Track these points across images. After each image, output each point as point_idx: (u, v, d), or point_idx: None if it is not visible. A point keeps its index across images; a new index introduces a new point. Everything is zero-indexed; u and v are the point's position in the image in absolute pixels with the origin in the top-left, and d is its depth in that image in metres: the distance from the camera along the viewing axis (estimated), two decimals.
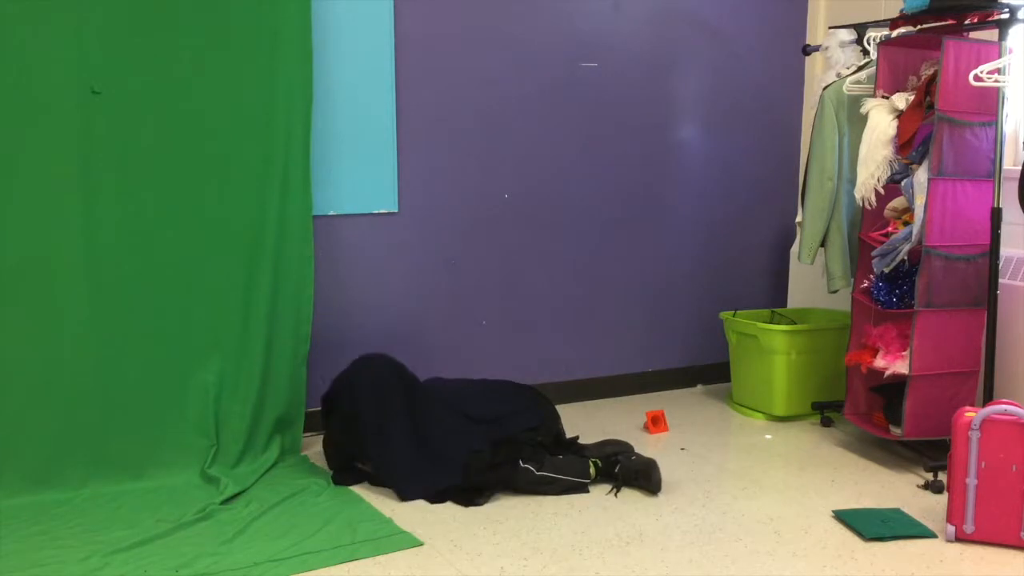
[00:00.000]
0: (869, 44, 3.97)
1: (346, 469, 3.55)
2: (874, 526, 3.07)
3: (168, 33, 3.45)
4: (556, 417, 3.69)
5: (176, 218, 3.54)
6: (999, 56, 3.39)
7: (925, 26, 3.55)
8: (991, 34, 3.52)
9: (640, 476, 3.42)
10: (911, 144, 3.53)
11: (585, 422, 4.20)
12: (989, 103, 3.46)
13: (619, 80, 4.57)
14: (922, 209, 3.51)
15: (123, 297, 3.47)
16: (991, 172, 3.48)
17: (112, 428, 3.45)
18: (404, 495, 3.37)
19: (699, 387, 4.91)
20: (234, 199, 3.62)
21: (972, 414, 2.96)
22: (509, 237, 4.43)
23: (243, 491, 3.37)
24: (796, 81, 5.01)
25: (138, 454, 3.48)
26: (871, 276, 3.82)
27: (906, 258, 3.66)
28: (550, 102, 4.44)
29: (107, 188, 3.42)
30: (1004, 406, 2.94)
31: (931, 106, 3.49)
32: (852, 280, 4.04)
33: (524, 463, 3.40)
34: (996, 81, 3.38)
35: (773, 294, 5.04)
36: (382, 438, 3.48)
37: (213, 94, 3.55)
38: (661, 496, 3.39)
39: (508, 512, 3.24)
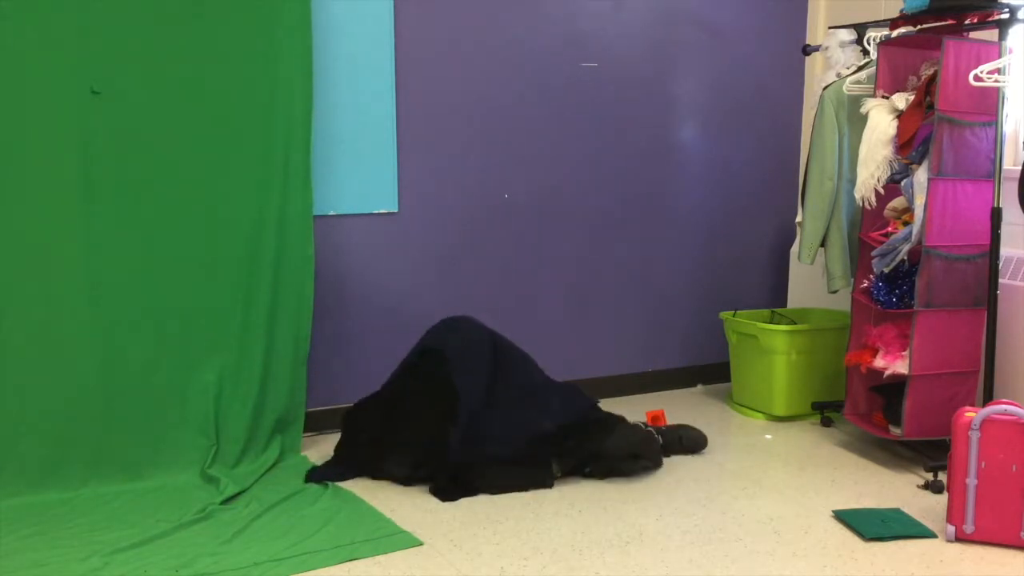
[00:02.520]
0: (869, 44, 3.97)
1: (349, 464, 3.56)
2: (874, 526, 3.07)
3: (168, 33, 3.45)
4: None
5: (176, 218, 3.53)
6: (999, 56, 3.39)
7: (925, 26, 3.55)
8: (991, 34, 3.52)
9: (684, 441, 3.80)
10: (911, 144, 3.53)
11: None
12: (989, 103, 3.46)
13: (619, 80, 4.57)
14: (922, 209, 3.51)
15: (123, 297, 3.47)
16: (991, 172, 3.48)
17: (112, 428, 3.45)
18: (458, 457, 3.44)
19: (699, 387, 4.91)
20: (234, 199, 3.62)
21: (972, 414, 2.96)
22: (509, 237, 4.43)
23: (243, 491, 3.36)
24: (796, 81, 5.01)
25: (138, 454, 3.48)
26: (871, 276, 3.82)
27: (906, 258, 3.66)
28: (550, 102, 4.44)
29: (107, 188, 3.42)
30: (1004, 406, 2.94)
31: (931, 106, 3.49)
32: (852, 280, 4.04)
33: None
34: (996, 81, 3.38)
35: (773, 294, 5.04)
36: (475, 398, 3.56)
37: (213, 94, 3.55)
38: (661, 496, 3.39)
39: (508, 512, 3.24)
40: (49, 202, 3.34)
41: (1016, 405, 2.95)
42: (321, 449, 3.87)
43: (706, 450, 3.89)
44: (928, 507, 3.25)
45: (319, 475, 3.51)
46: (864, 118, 3.73)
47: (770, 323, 4.44)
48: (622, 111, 4.60)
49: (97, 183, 3.40)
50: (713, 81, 4.80)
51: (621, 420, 3.75)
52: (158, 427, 3.53)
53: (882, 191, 3.69)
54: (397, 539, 3.00)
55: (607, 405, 4.53)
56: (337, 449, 3.68)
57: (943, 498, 3.25)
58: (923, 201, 3.50)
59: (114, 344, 3.46)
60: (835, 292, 4.17)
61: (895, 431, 3.72)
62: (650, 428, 3.76)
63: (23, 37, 3.25)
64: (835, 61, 4.22)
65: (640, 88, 4.62)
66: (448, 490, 3.37)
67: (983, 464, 2.93)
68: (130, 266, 3.47)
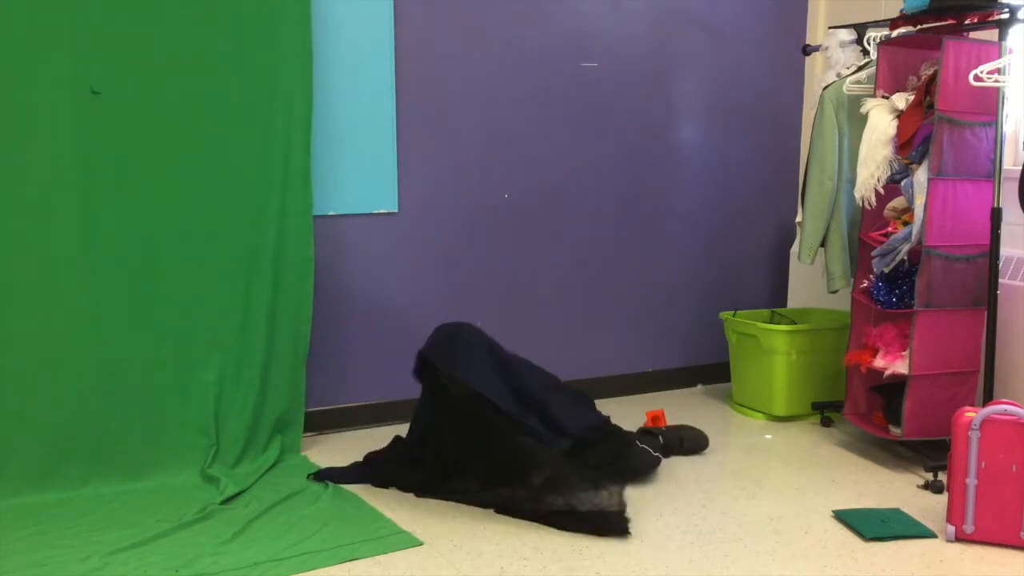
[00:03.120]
0: (869, 44, 3.97)
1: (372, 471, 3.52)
2: (874, 526, 3.07)
3: (168, 33, 3.45)
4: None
5: (176, 218, 3.53)
6: (999, 56, 3.39)
7: (925, 26, 3.55)
8: (991, 34, 3.52)
9: (686, 442, 3.79)
10: (911, 144, 3.53)
11: None
12: (989, 103, 3.46)
13: (619, 80, 4.57)
14: (922, 209, 3.51)
15: (123, 297, 3.47)
16: (991, 172, 3.48)
17: (112, 428, 3.45)
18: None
19: (699, 387, 4.91)
20: (234, 199, 3.62)
21: (972, 414, 2.96)
22: (509, 237, 4.43)
23: (243, 491, 3.36)
24: (796, 81, 5.01)
25: (138, 454, 3.48)
26: (871, 276, 3.82)
27: (906, 258, 3.66)
28: (550, 102, 4.44)
29: (106, 188, 3.41)
30: (1004, 406, 2.94)
31: (931, 106, 3.49)
32: (852, 280, 4.04)
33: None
34: (996, 81, 3.37)
35: (773, 294, 5.04)
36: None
37: (213, 94, 3.55)
38: (661, 496, 3.39)
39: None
40: (49, 202, 3.34)
41: (1016, 405, 2.95)
42: (321, 449, 3.87)
43: (706, 450, 3.88)
44: (928, 507, 3.25)
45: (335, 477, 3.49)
46: (864, 118, 3.73)
47: (770, 323, 4.45)
48: (622, 111, 4.60)
49: (97, 183, 3.40)
50: (713, 81, 4.81)
51: (631, 442, 3.67)
52: (158, 427, 3.53)
53: (882, 191, 3.69)
54: (397, 539, 3.00)
55: (607, 405, 4.54)
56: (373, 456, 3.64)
57: (943, 498, 3.25)
58: (923, 201, 3.50)
59: (114, 344, 3.46)
60: (835, 292, 4.17)
61: (895, 431, 3.72)
62: (658, 455, 3.65)
63: (23, 37, 3.25)
64: (835, 61, 4.22)
65: (640, 88, 4.63)
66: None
67: (983, 464, 2.93)
68: (130, 266, 3.47)
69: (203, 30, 3.50)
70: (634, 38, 4.58)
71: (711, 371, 4.90)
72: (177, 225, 3.54)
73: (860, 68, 4.03)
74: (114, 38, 3.38)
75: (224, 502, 3.25)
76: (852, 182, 3.84)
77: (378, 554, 2.90)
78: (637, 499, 3.36)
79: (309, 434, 3.97)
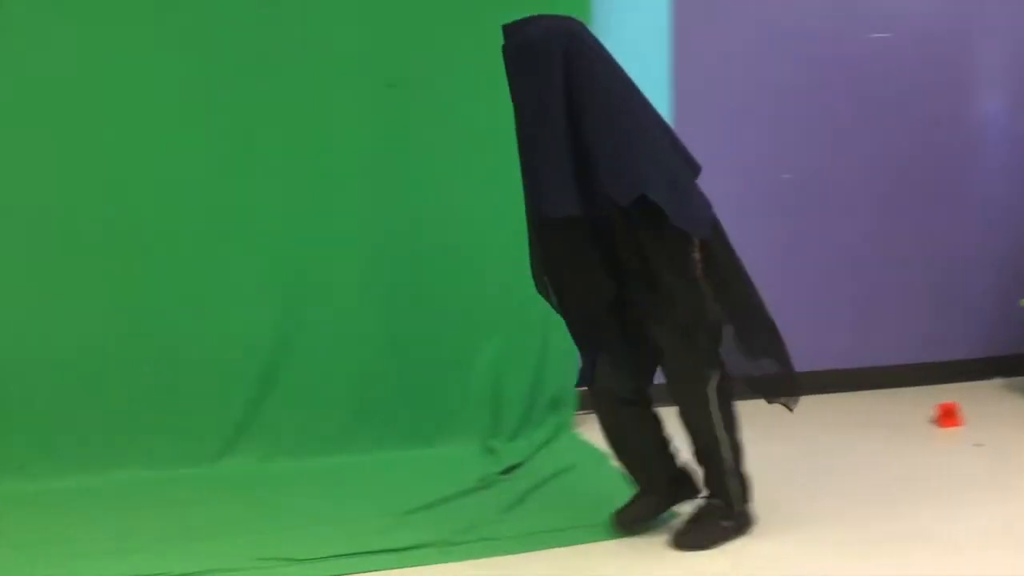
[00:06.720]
0: None
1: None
2: None
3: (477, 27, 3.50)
4: None
5: (461, 211, 3.75)
6: None
7: None
8: None
9: None
10: None
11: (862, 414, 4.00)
12: None
13: (910, 51, 4.33)
14: None
15: (407, 279, 3.74)
16: None
17: (401, 399, 3.71)
18: None
19: (997, 379, 4.54)
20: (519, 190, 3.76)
21: None
22: (789, 220, 4.30)
23: (519, 464, 3.49)
24: None
25: (423, 423, 3.72)
26: None
27: None
28: (834, 77, 4.25)
29: (394, 177, 3.70)
30: None
31: None
32: None
33: None
34: None
35: None
36: None
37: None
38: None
39: None
40: (332, 192, 3.63)
41: None
42: (593, 427, 3.91)
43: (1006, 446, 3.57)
44: None
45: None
46: None
47: None
48: (915, 86, 4.34)
49: (379, 176, 3.67)
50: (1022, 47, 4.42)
51: None
52: (441, 399, 3.76)
53: None
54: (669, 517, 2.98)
55: (889, 396, 4.30)
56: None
57: None
58: None
59: (399, 322, 3.74)
60: None
61: None
62: None
63: (324, 35, 3.55)
64: None
65: (935, 59, 4.35)
66: None
67: None
68: (416, 253, 3.74)
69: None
70: (928, 2, 4.31)
71: (1012, 363, 4.52)
72: (463, 217, 3.76)
73: None
74: (403, 35, 3.61)
75: (502, 473, 3.39)
76: None
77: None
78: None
79: (582, 413, 4.04)
